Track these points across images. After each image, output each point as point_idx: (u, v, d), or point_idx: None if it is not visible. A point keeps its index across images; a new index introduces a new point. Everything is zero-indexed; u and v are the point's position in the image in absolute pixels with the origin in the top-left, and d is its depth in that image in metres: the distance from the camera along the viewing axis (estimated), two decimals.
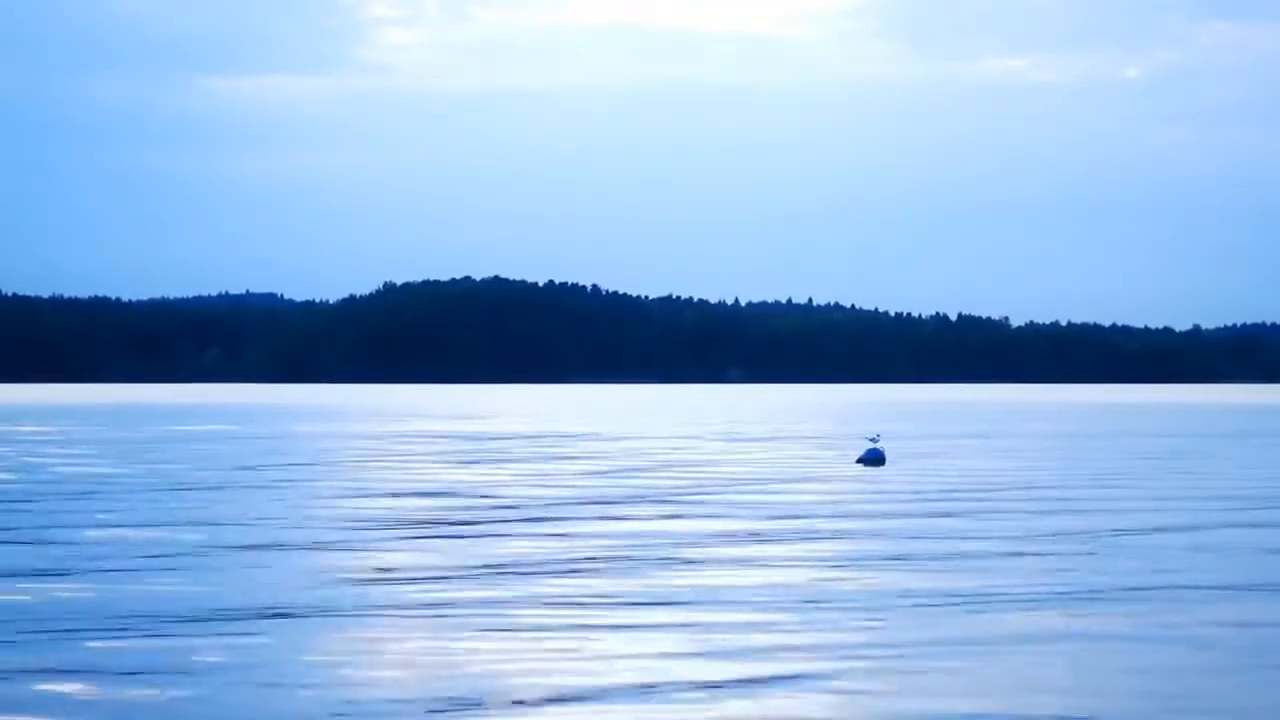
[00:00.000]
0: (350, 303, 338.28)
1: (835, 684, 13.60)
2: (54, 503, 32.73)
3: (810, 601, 18.35)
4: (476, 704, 12.74)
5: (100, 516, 29.29)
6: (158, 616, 17.01)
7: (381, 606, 17.82)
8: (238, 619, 16.91)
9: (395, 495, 34.75)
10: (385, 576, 20.44)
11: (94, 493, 35.38)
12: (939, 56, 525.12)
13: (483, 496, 34.34)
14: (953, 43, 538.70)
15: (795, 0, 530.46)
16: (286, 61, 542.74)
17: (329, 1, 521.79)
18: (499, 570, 21.15)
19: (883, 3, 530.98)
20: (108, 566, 21.54)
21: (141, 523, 28.01)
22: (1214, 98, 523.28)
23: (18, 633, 16.03)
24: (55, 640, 15.57)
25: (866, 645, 15.45)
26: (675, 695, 13.12)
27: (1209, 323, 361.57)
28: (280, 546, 24.22)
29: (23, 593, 18.99)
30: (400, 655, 14.84)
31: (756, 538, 25.68)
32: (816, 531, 26.79)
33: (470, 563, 21.96)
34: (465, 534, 26.17)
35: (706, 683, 13.59)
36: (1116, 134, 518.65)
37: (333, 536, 25.60)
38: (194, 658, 14.64)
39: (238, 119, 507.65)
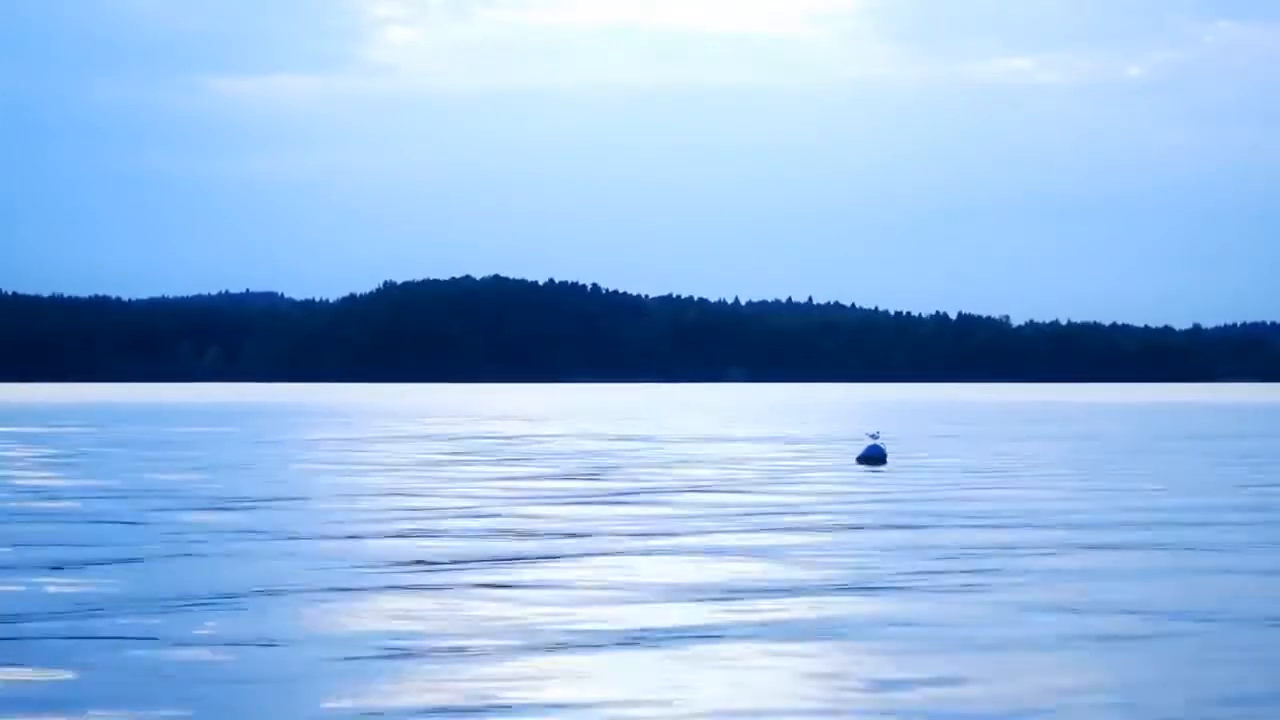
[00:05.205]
0: (350, 302, 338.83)
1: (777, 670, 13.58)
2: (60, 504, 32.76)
3: (765, 593, 18.32)
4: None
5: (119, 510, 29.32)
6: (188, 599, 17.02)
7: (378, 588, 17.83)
8: (240, 602, 16.91)
9: (385, 496, 34.75)
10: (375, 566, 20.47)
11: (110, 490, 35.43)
12: (941, 57, 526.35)
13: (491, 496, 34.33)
14: (955, 43, 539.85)
15: (796, 0, 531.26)
16: (289, 61, 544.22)
17: (332, 1, 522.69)
18: (497, 561, 21.17)
19: (884, 3, 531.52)
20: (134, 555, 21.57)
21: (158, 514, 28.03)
22: (1215, 97, 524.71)
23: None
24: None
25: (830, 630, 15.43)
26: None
27: (1209, 322, 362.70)
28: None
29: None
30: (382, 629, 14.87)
31: (735, 533, 25.64)
32: (806, 527, 26.73)
33: (484, 555, 21.99)
34: (477, 532, 26.17)
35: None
36: (1118, 134, 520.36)
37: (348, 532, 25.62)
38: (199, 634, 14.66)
39: (240, 119, 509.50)
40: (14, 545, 24.09)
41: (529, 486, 36.85)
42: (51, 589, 19.22)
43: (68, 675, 13.80)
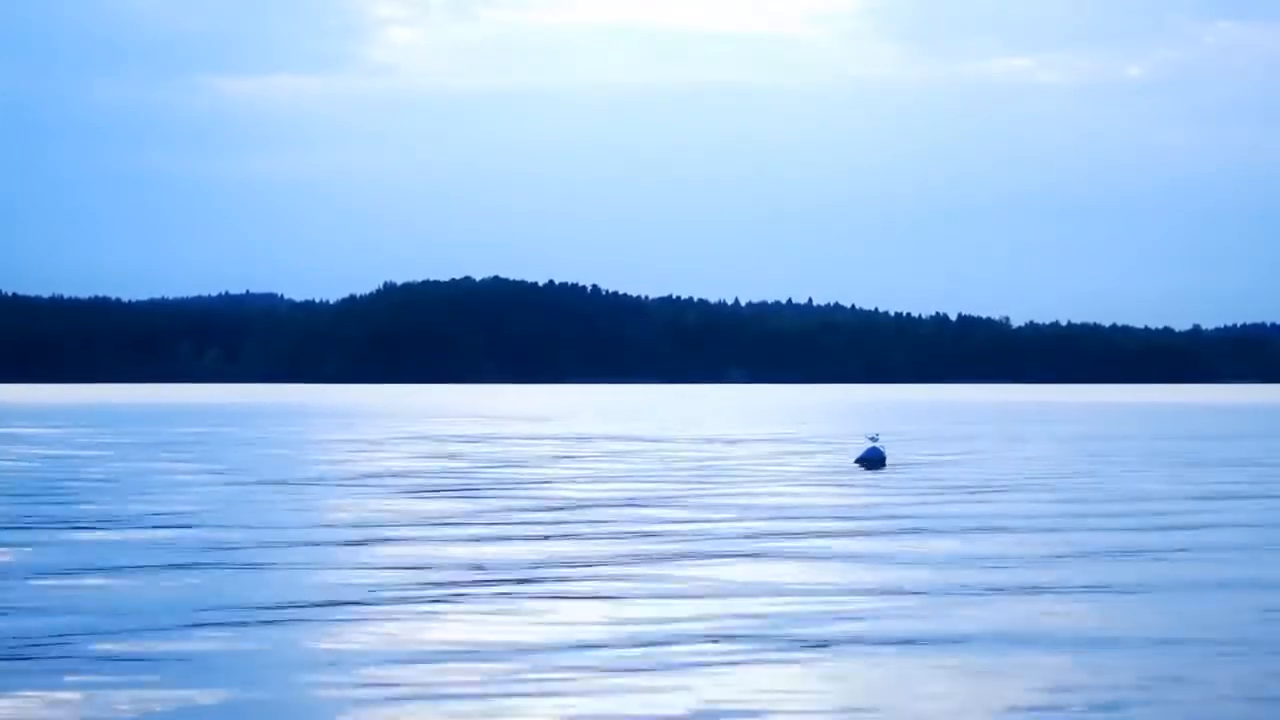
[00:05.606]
0: (350, 303, 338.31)
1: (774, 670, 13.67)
2: (82, 498, 32.78)
3: (760, 595, 18.38)
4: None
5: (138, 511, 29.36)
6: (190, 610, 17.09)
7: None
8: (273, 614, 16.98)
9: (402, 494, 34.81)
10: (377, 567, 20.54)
11: (128, 490, 35.44)
12: (941, 56, 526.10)
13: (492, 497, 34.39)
14: (955, 43, 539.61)
15: (796, 0, 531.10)
16: (289, 61, 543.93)
17: (332, 1, 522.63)
18: (501, 567, 21.27)
19: (884, 3, 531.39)
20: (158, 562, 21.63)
21: (168, 524, 28.08)
22: (1216, 97, 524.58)
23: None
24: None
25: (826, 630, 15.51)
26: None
27: (1209, 323, 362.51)
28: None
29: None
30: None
31: (735, 537, 25.69)
32: (804, 532, 26.77)
33: (500, 560, 22.09)
34: (489, 536, 26.23)
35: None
36: (1118, 134, 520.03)
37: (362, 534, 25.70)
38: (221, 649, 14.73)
39: (240, 119, 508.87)
40: (16, 548, 24.14)
41: (534, 491, 36.91)
42: (75, 593, 19.28)
43: (92, 679, 13.87)
